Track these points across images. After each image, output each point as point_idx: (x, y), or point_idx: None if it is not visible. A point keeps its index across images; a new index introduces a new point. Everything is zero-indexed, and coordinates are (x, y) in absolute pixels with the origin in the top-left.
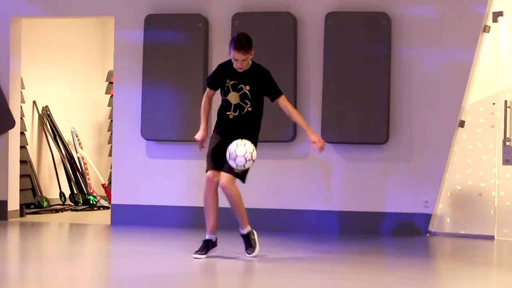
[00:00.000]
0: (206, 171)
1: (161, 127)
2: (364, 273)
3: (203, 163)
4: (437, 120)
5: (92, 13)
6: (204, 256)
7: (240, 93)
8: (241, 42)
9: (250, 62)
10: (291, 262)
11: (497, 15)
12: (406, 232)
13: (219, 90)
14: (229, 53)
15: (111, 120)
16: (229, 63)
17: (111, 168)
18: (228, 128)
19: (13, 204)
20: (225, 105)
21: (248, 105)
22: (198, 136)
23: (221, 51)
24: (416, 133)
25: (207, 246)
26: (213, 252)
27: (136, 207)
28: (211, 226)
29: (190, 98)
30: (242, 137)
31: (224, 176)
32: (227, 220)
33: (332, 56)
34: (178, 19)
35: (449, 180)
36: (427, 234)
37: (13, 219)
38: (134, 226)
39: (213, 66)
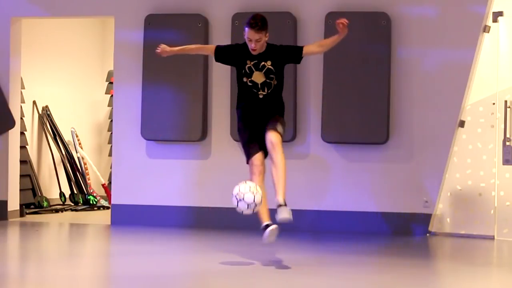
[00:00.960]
0: (248, 160)
1: (161, 127)
2: (364, 273)
3: (203, 163)
4: (437, 120)
5: (92, 13)
6: (275, 226)
7: (264, 70)
8: (256, 19)
9: (265, 45)
10: (291, 262)
11: (497, 15)
12: (406, 232)
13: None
14: (244, 34)
15: (111, 120)
16: (246, 45)
17: (111, 168)
18: (259, 108)
19: (13, 204)
20: (251, 85)
21: (274, 80)
22: (163, 47)
23: None
24: (416, 133)
25: (270, 228)
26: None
27: (136, 207)
28: (266, 214)
29: (190, 98)
30: (275, 113)
31: (273, 135)
32: (227, 220)
33: (332, 56)
34: (178, 19)
35: (449, 180)
36: (427, 234)
37: (13, 219)
38: (134, 226)
39: (213, 66)
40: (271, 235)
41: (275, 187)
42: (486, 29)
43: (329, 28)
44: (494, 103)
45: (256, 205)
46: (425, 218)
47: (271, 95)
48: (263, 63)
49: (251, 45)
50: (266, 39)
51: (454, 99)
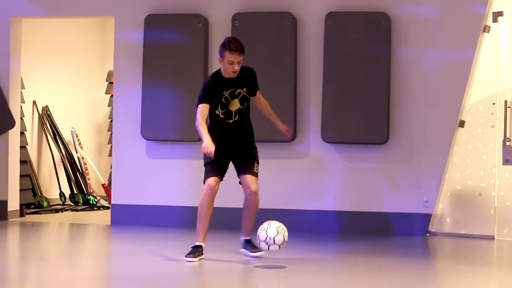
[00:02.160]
0: (205, 180)
1: (161, 127)
2: (364, 273)
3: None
4: (437, 120)
5: (92, 13)
6: (197, 259)
7: (239, 97)
8: (236, 43)
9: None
10: (291, 262)
11: (497, 15)
12: (406, 232)
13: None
14: (221, 60)
15: (111, 120)
16: (217, 75)
17: (111, 168)
18: (229, 134)
19: (13, 204)
20: (224, 116)
21: (245, 105)
22: (211, 147)
23: None
24: (416, 133)
25: (199, 250)
26: (201, 258)
27: (136, 207)
28: (205, 234)
29: (190, 98)
30: (245, 138)
31: (253, 181)
32: (227, 220)
33: (332, 56)
34: (178, 19)
35: (449, 180)
36: (427, 234)
37: (13, 219)
38: (134, 226)
39: (213, 66)
40: (190, 260)
41: (243, 226)
42: (486, 29)
43: (329, 28)
44: (494, 103)
45: (286, 242)
46: (425, 218)
47: (240, 119)
48: (239, 90)
49: (234, 67)
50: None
51: (454, 99)
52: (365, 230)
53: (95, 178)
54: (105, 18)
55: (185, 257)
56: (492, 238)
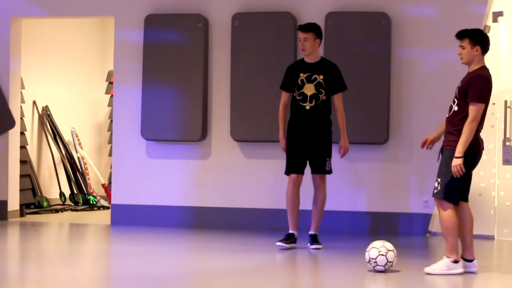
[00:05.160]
0: (288, 173)
1: (161, 127)
2: (364, 273)
3: (203, 163)
4: (437, 120)
5: (92, 13)
6: (287, 245)
7: (315, 83)
8: (305, 23)
9: (319, 56)
10: (291, 262)
11: (497, 15)
12: (406, 232)
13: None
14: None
15: (111, 120)
16: (298, 62)
17: (111, 168)
18: (305, 120)
19: (13, 204)
20: (301, 98)
21: (323, 94)
22: (282, 145)
23: (221, 51)
24: (416, 133)
25: (291, 238)
26: (293, 246)
27: (136, 207)
28: (295, 222)
29: (190, 98)
30: (319, 129)
31: (322, 177)
32: (227, 220)
33: (332, 56)
34: (178, 19)
35: None
36: (427, 234)
37: (13, 219)
38: (134, 226)
39: (213, 66)
40: (281, 245)
41: (312, 219)
42: (486, 29)
43: (329, 28)
44: (494, 103)
45: (392, 262)
46: (425, 218)
47: (317, 108)
48: (315, 75)
49: (302, 44)
50: (316, 44)
51: None
52: (365, 230)
53: (95, 178)
54: (105, 18)
55: (277, 242)
56: (492, 238)
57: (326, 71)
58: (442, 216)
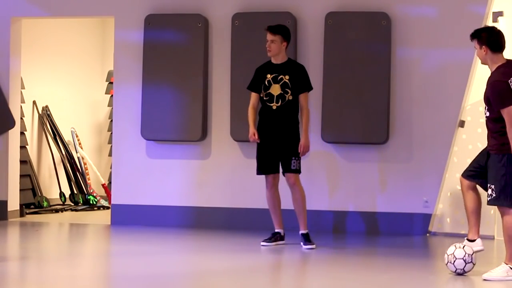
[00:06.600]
0: (257, 173)
1: (161, 127)
2: (364, 273)
3: (203, 163)
4: (437, 120)
5: (92, 13)
6: (272, 244)
7: (281, 83)
8: (273, 25)
9: (285, 57)
10: (291, 262)
11: (497, 15)
12: (406, 232)
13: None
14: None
15: (111, 120)
16: (266, 63)
17: (111, 168)
18: (272, 120)
19: (13, 204)
20: (267, 99)
21: (289, 94)
22: (251, 134)
23: (221, 51)
24: (416, 133)
25: (275, 236)
26: (279, 244)
27: (136, 207)
28: (278, 221)
29: (190, 98)
30: (285, 129)
31: (290, 176)
32: (227, 220)
33: (332, 56)
34: (178, 19)
35: (449, 180)
36: (427, 234)
37: (13, 219)
38: (134, 226)
39: (213, 66)
40: (264, 244)
41: (298, 219)
42: None
43: (329, 28)
44: None
45: (465, 271)
46: (425, 218)
47: (284, 108)
48: (281, 76)
49: (268, 45)
50: (282, 46)
51: (454, 99)
52: (365, 230)
53: (95, 178)
54: (105, 18)
55: (261, 242)
56: (492, 238)
57: (292, 71)
58: (506, 223)
